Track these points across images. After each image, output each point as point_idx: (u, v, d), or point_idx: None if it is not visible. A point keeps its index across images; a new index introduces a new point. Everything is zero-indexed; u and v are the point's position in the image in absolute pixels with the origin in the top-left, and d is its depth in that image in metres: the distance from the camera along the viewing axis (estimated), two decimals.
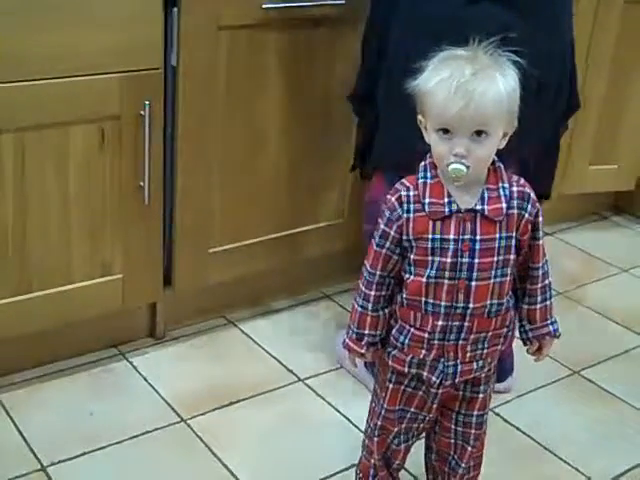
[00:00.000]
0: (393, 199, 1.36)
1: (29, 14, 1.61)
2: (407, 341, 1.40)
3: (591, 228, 2.93)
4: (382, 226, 1.38)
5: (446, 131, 1.28)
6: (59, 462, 1.71)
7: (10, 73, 1.63)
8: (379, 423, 1.51)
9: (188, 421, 1.85)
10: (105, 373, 1.98)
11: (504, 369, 2.03)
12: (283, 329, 2.21)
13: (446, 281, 1.34)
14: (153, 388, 1.94)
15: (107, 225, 1.87)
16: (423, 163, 1.37)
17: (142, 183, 1.85)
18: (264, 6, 1.89)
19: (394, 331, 1.42)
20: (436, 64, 1.32)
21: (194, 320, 2.19)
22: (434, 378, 1.41)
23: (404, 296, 1.39)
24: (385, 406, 1.49)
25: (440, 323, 1.36)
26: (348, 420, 1.90)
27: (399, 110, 1.74)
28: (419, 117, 1.36)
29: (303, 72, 2.04)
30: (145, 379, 1.97)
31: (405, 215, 1.35)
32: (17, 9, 1.60)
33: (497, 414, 1.95)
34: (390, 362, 1.44)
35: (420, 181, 1.36)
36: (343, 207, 2.25)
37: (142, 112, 1.79)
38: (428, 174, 1.35)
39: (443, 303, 1.35)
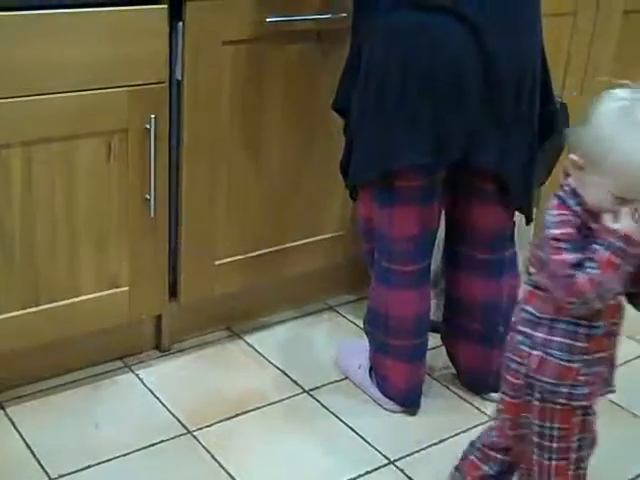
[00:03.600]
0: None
1: (35, 29, 1.63)
2: None
3: None
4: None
5: (623, 199, 1.25)
6: (66, 474, 1.71)
7: (17, 88, 1.65)
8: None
9: (194, 433, 1.86)
10: (111, 385, 1.99)
11: None
12: (287, 340, 2.22)
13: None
14: (159, 400, 1.95)
15: (113, 238, 1.88)
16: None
17: (148, 196, 1.86)
18: (268, 20, 1.91)
19: None
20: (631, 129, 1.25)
21: (199, 332, 2.20)
22: None
23: None
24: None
25: None
26: (353, 431, 1.90)
27: (371, 127, 1.77)
28: (573, 157, 1.30)
29: (306, 85, 2.06)
30: (151, 391, 1.98)
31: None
32: (22, 24, 1.62)
33: None
34: None
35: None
36: (345, 219, 2.26)
37: (148, 126, 1.81)
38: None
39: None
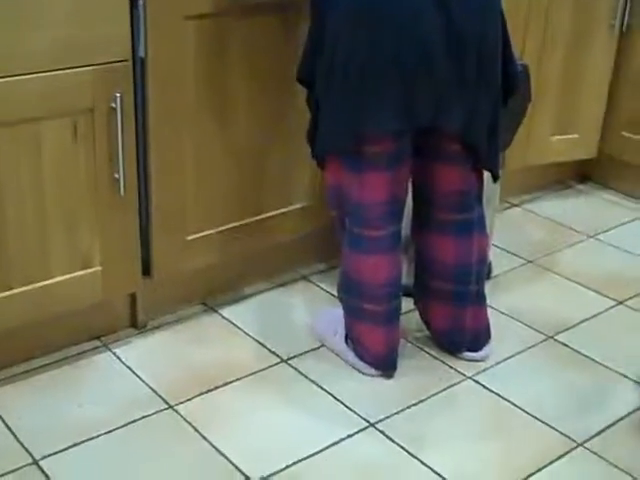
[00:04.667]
0: None
1: None
2: None
3: (557, 197, 2.99)
4: None
5: None
6: (51, 455, 1.72)
7: None
8: None
9: (175, 407, 1.87)
10: (90, 365, 1.99)
11: (481, 338, 2.08)
12: (263, 312, 2.24)
13: None
14: (138, 377, 1.96)
15: (84, 218, 1.88)
16: None
17: (117, 175, 1.86)
18: None
19: None
20: None
21: (175, 308, 2.21)
22: None
23: None
24: None
25: None
26: (333, 396, 1.93)
27: (339, 95, 1.78)
28: None
29: (270, 57, 2.06)
30: (130, 368, 1.99)
31: None
32: None
33: (476, 381, 2.00)
34: None
35: None
36: (314, 188, 2.28)
37: (113, 104, 1.80)
38: None
39: None
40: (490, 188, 2.17)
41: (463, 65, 1.76)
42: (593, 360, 2.11)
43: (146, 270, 2.04)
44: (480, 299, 2.06)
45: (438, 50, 1.73)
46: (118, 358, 2.03)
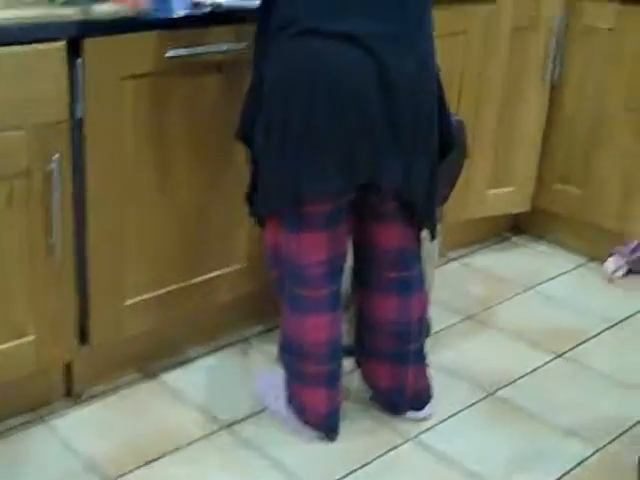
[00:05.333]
0: None
1: None
2: None
3: (493, 250, 3.03)
4: None
5: None
6: None
7: None
8: None
9: None
10: (24, 439, 1.92)
11: (423, 397, 2.07)
12: (204, 377, 2.20)
13: None
14: (74, 451, 1.90)
15: (17, 285, 1.83)
16: None
17: (52, 239, 1.82)
18: (167, 55, 1.90)
19: None
20: None
21: (113, 375, 2.15)
22: None
23: None
24: None
25: None
26: (276, 463, 1.90)
27: (278, 156, 1.79)
28: None
29: (210, 117, 2.06)
30: (65, 442, 1.92)
31: None
32: None
33: (420, 442, 1.99)
34: None
35: None
36: (252, 249, 2.26)
37: (50, 167, 1.77)
38: None
39: None
40: (429, 245, 2.18)
41: (400, 123, 1.78)
42: (535, 416, 2.12)
43: (83, 337, 1.99)
44: (421, 358, 2.06)
45: (375, 107, 1.75)
46: (53, 431, 1.96)
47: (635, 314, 2.63)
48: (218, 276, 2.22)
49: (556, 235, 3.05)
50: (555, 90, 2.86)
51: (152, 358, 2.22)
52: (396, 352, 2.01)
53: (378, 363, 2.04)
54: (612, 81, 2.75)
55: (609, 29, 2.73)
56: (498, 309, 2.63)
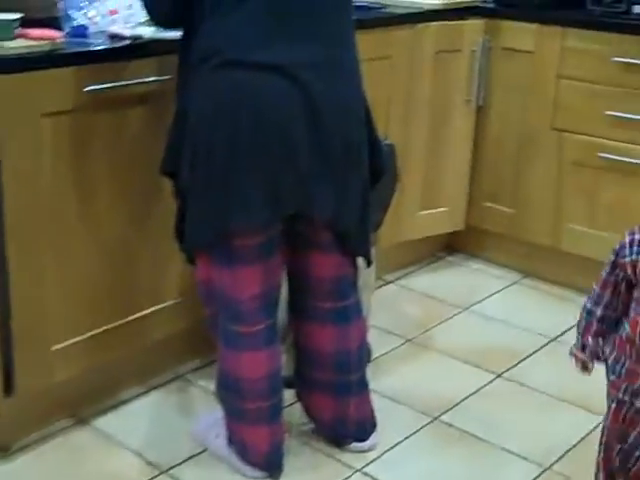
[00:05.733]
0: (627, 239, 1.50)
1: None
2: (623, 370, 1.49)
3: (429, 271, 3.02)
4: (612, 257, 1.52)
5: None
6: None
7: None
8: (603, 440, 1.58)
9: None
10: None
11: (366, 428, 2.04)
12: (140, 419, 2.12)
13: None
14: None
15: None
16: None
17: None
18: (86, 89, 1.85)
19: (611, 360, 1.52)
20: None
21: (42, 424, 2.05)
22: None
23: (625, 330, 1.48)
24: (608, 425, 1.56)
25: None
26: None
27: (204, 189, 1.75)
28: None
29: (133, 150, 2.01)
30: None
31: (633, 257, 1.47)
32: None
33: (366, 473, 1.96)
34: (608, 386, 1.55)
35: None
36: (185, 283, 2.20)
37: None
38: None
39: None
40: (365, 271, 2.16)
41: (329, 152, 1.76)
42: (480, 438, 2.10)
43: (8, 387, 1.90)
44: (362, 387, 2.02)
45: (302, 137, 1.72)
46: None
47: (570, 329, 2.64)
48: (151, 313, 2.16)
49: (490, 253, 3.06)
50: (481, 111, 2.88)
51: (85, 403, 2.13)
52: (337, 383, 1.97)
53: (319, 395, 2.00)
54: (536, 101, 2.79)
55: (529, 51, 2.77)
56: (437, 330, 2.61)
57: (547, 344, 2.55)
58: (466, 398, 2.27)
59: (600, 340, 1.56)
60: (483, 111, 2.88)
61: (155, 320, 2.17)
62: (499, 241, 3.01)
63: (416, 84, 2.71)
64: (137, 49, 1.95)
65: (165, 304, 2.18)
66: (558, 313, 2.72)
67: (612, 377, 1.53)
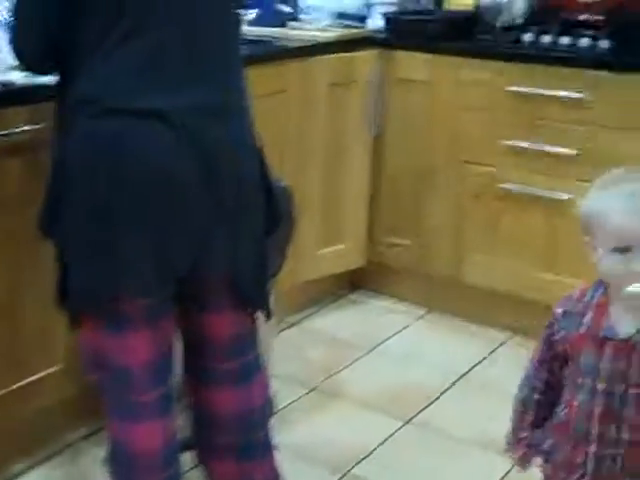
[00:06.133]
0: (558, 310, 1.39)
1: None
2: (560, 459, 1.39)
3: (331, 310, 2.94)
4: (546, 331, 1.41)
5: (623, 250, 1.27)
6: None
7: None
8: None
9: None
10: None
11: None
12: None
13: (598, 408, 1.32)
14: None
15: None
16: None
17: None
18: None
19: (548, 447, 1.41)
20: (605, 184, 1.32)
21: None
22: None
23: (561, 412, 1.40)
24: None
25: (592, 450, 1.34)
26: None
27: (85, 250, 1.61)
28: (585, 238, 1.34)
29: (8, 207, 1.88)
30: None
31: (562, 331, 1.37)
32: None
33: None
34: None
35: (587, 297, 1.35)
36: (68, 350, 2.04)
37: None
38: (598, 292, 1.35)
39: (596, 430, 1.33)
40: (264, 325, 2.05)
41: (221, 204, 1.65)
42: None
43: None
44: (267, 449, 1.90)
45: (190, 191, 1.60)
46: None
47: (477, 364, 2.60)
48: (37, 380, 2.01)
49: (393, 288, 3.00)
50: (378, 143, 2.83)
51: None
52: (241, 446, 1.84)
53: (221, 461, 1.87)
54: (434, 132, 2.76)
55: (424, 81, 2.74)
56: (342, 375, 2.53)
57: (455, 382, 2.50)
58: (377, 448, 2.19)
59: (538, 431, 1.46)
60: (381, 143, 2.84)
61: (42, 386, 2.02)
62: (402, 276, 2.96)
63: (311, 119, 2.64)
64: (10, 96, 1.84)
65: (53, 369, 2.04)
66: (464, 347, 2.69)
67: (548, 469, 1.44)
